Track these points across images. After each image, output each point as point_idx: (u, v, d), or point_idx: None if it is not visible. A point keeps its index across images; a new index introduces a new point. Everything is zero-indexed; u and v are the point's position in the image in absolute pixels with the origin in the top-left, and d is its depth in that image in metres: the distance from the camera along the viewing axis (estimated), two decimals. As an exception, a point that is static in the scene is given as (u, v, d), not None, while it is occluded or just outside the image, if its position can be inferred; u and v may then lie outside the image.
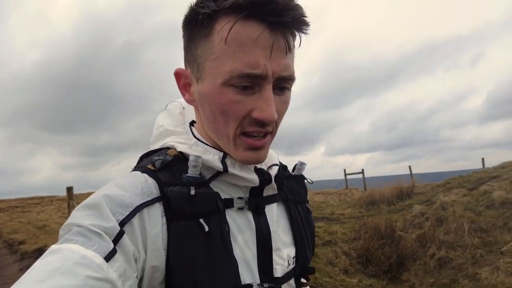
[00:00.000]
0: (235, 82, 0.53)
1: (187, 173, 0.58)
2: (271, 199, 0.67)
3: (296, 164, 0.77)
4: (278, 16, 0.51)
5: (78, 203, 0.56)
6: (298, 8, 0.52)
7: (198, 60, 0.57)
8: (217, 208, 0.57)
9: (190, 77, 0.61)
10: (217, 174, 0.62)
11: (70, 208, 6.79)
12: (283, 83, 0.57)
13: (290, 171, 0.78)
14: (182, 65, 0.63)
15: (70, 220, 0.50)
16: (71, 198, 6.80)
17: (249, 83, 0.54)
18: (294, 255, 0.69)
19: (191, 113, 0.70)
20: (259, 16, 0.51)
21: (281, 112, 0.60)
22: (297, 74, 0.58)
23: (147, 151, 0.66)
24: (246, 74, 0.52)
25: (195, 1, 0.56)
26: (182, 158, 0.60)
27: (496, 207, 5.64)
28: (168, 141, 0.64)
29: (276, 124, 0.60)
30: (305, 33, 0.56)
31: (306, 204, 0.77)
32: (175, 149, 0.61)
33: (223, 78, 0.53)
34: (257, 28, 0.51)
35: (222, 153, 0.61)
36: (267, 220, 0.65)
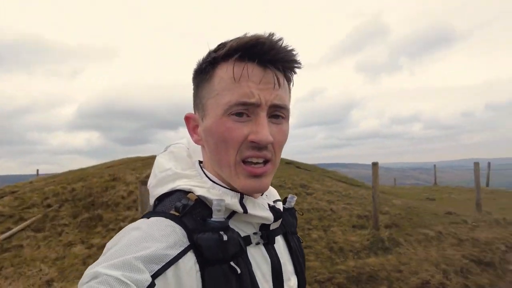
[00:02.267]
0: (233, 111, 0.59)
1: (208, 217, 0.59)
2: (276, 232, 0.70)
3: (287, 197, 0.81)
4: (266, 55, 0.59)
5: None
6: (283, 48, 0.61)
7: (202, 101, 0.64)
8: (242, 248, 0.59)
9: (197, 119, 0.67)
10: (232, 214, 0.64)
11: None
12: (277, 111, 0.62)
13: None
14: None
15: (97, 267, 0.48)
16: None
17: (245, 111, 0.60)
18: (297, 282, 0.73)
19: (197, 155, 0.73)
20: (250, 56, 0.59)
21: (279, 140, 0.63)
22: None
23: (159, 195, 0.66)
24: (242, 102, 0.59)
25: (202, 56, 0.65)
26: (200, 202, 0.61)
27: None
28: (181, 184, 0.64)
29: (275, 153, 0.63)
30: (292, 70, 0.64)
31: (298, 235, 0.81)
32: (193, 192, 0.62)
33: (222, 109, 0.60)
34: (250, 66, 0.60)
35: (239, 194, 0.63)
36: (277, 253, 0.69)
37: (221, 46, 0.62)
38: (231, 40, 0.61)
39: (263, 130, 0.59)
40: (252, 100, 0.59)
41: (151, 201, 0.69)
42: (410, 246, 5.72)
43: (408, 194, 12.17)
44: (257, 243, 0.65)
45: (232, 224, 0.62)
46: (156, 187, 0.67)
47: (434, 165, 17.53)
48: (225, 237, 0.56)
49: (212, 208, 0.58)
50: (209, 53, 0.63)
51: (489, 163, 15.94)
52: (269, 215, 0.65)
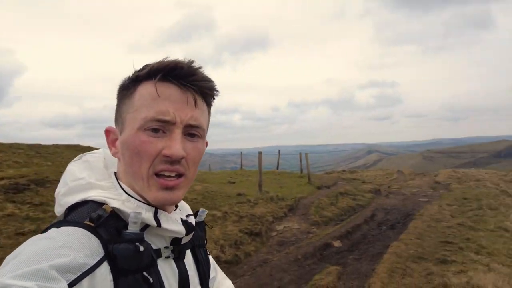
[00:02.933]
0: (149, 126, 0.63)
1: (122, 229, 0.60)
2: (186, 246, 0.73)
3: (198, 212, 0.83)
4: (184, 78, 0.65)
5: None
6: (202, 76, 0.68)
7: (122, 115, 0.68)
8: (153, 260, 0.62)
9: (117, 132, 0.70)
10: (146, 227, 0.65)
11: None
12: (192, 130, 0.67)
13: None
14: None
15: (2, 279, 0.45)
16: None
17: (160, 127, 0.64)
18: None
19: (113, 167, 0.73)
20: (170, 78, 0.65)
21: (194, 157, 0.68)
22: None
23: (69, 204, 0.64)
24: (157, 119, 0.63)
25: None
26: (114, 214, 0.62)
27: None
28: (94, 195, 0.63)
29: (189, 167, 0.67)
30: (210, 96, 0.71)
31: (205, 247, 0.86)
32: (108, 204, 0.62)
33: (139, 123, 0.64)
34: (168, 87, 0.65)
35: (154, 209, 0.66)
36: (185, 266, 0.72)
37: (145, 66, 0.67)
38: (154, 62, 0.66)
39: (176, 145, 0.63)
40: (167, 118, 0.63)
41: (58, 210, 0.68)
42: (197, 227, 6.30)
43: (215, 179, 13.42)
44: (167, 257, 0.68)
45: (145, 237, 0.62)
46: (66, 196, 0.66)
47: (241, 152, 19.99)
48: (141, 248, 0.58)
49: (129, 220, 0.60)
50: (134, 72, 0.67)
51: (279, 150, 19.48)
52: (182, 229, 0.68)
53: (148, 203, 0.66)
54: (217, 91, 0.72)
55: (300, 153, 15.88)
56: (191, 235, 0.74)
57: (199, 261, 0.79)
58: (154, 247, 0.65)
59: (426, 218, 7.10)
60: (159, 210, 0.67)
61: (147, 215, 0.64)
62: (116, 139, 0.70)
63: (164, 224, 0.66)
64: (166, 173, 0.64)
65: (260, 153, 10.20)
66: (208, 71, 0.70)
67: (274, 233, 6.85)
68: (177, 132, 0.64)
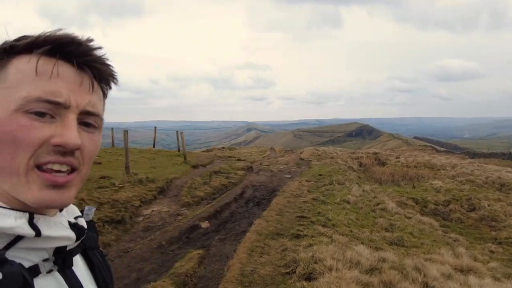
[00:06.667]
0: (32, 108, 0.51)
1: None
2: (73, 252, 0.61)
3: (83, 210, 0.69)
4: (80, 56, 0.55)
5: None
6: (101, 58, 0.57)
7: None
8: (26, 284, 0.48)
9: None
10: (15, 241, 0.51)
11: None
12: (89, 119, 0.57)
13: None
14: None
15: None
16: None
17: (48, 110, 0.52)
18: None
19: None
20: (62, 54, 0.54)
21: (90, 150, 0.57)
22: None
23: None
24: (46, 100, 0.51)
25: None
26: None
27: None
28: None
29: (84, 162, 0.56)
30: (107, 84, 0.61)
31: (100, 249, 0.73)
32: None
33: (16, 104, 0.51)
34: (60, 64, 0.53)
35: (27, 214, 0.52)
36: (77, 277, 0.61)
37: (25, 36, 0.54)
38: (41, 33, 0.54)
39: (71, 132, 0.51)
40: (60, 100, 0.51)
41: None
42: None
43: (77, 159, 11.77)
44: (50, 271, 0.55)
45: (12, 254, 0.49)
46: None
47: (112, 128, 18.13)
48: None
49: None
50: (5, 41, 0.54)
51: (155, 127, 18.50)
52: (71, 234, 0.57)
53: (18, 209, 0.52)
54: (116, 79, 0.62)
55: (177, 131, 15.37)
56: (78, 241, 0.63)
57: (94, 266, 0.67)
58: (28, 264, 0.51)
59: (287, 194, 7.77)
60: (35, 215, 0.53)
61: (19, 223, 0.50)
62: None
63: (46, 231, 0.53)
64: (55, 167, 0.52)
65: (125, 131, 9.30)
66: (72, 31, 0.56)
67: (140, 219, 6.40)
68: (72, 118, 0.53)
